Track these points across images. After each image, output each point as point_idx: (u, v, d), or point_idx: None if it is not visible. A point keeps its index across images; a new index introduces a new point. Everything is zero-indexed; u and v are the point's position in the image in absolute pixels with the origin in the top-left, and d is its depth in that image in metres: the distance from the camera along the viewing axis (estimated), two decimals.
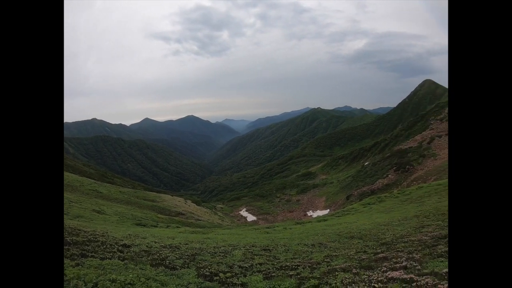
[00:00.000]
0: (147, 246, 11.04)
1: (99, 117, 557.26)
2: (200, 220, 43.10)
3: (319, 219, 27.84)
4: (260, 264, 9.00)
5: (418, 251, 8.71)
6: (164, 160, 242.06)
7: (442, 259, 7.33)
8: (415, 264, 7.07)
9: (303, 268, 8.21)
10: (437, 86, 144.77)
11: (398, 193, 32.01)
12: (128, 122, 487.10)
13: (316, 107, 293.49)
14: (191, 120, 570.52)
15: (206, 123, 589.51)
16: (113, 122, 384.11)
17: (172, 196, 63.58)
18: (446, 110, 73.04)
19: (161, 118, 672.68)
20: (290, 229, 20.78)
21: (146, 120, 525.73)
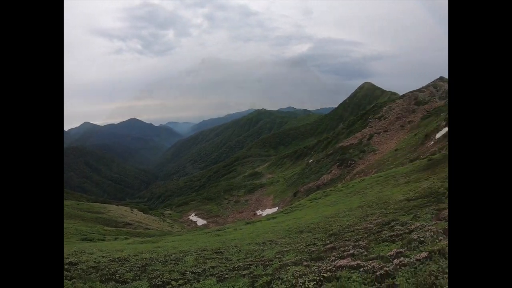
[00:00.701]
0: (94, 261, 10.42)
1: None
2: (149, 229, 41.64)
3: (269, 217, 28.26)
4: (213, 267, 8.90)
5: (364, 238, 9.19)
6: (107, 167, 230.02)
7: (387, 243, 7.84)
8: (361, 251, 7.46)
9: (256, 267, 8.26)
10: (375, 88, 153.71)
11: (342, 187, 33.53)
12: (66, 127, 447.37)
13: (260, 108, 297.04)
14: (133, 124, 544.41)
15: (149, 126, 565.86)
16: None
17: (117, 206, 60.49)
18: (384, 109, 78.41)
19: (101, 121, 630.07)
20: (241, 229, 20.87)
21: (86, 124, 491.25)
